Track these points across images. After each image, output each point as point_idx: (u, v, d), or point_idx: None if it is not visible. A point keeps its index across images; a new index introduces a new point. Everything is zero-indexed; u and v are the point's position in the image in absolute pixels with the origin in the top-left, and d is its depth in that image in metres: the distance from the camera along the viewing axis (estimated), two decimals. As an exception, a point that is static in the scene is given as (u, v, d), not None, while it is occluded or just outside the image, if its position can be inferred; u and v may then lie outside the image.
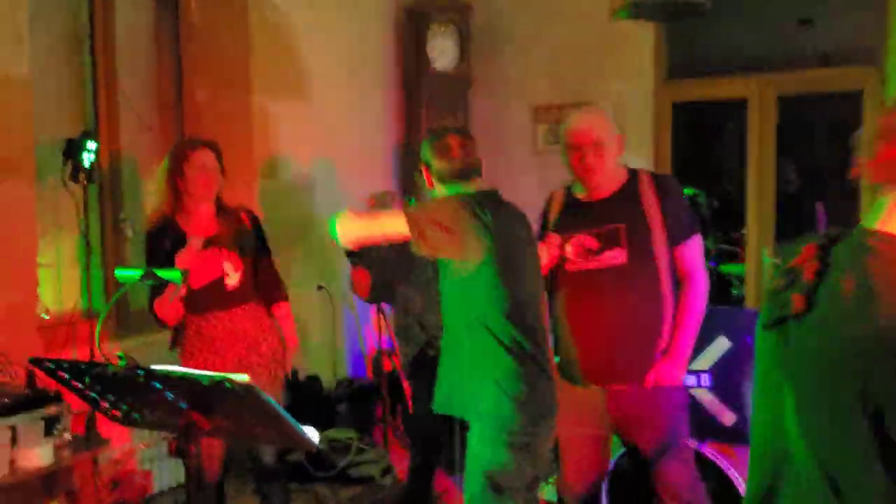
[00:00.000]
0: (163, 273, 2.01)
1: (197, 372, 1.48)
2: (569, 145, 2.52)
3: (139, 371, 1.45)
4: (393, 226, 2.24)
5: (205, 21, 4.00)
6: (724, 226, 5.17)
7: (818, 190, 5.34)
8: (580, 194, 2.58)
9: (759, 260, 4.49)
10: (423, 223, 2.18)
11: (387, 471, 3.83)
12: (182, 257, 2.66)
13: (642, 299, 2.49)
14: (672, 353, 2.51)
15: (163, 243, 2.73)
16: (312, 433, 1.63)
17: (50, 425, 2.26)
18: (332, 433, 3.89)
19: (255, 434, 1.59)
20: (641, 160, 4.45)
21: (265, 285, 2.90)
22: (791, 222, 4.87)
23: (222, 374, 1.43)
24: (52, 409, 2.28)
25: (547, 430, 2.29)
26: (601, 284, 2.47)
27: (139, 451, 3.30)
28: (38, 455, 2.17)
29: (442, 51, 4.82)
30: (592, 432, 2.59)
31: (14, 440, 2.16)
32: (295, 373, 3.26)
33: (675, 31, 4.63)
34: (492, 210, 2.22)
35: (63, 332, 3.06)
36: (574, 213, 2.56)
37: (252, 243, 2.86)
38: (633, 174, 2.58)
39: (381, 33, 4.82)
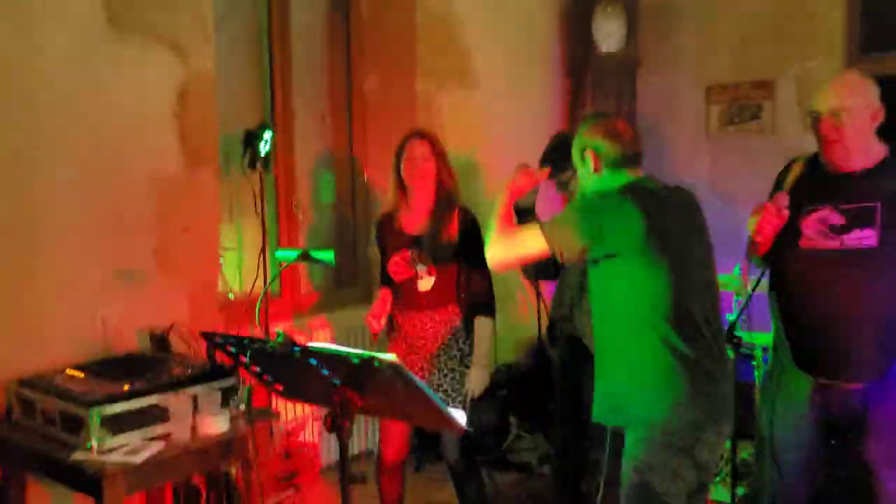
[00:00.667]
0: (317, 254, 2.11)
1: (348, 350, 1.54)
2: (809, 111, 2.32)
3: (295, 348, 1.53)
4: (532, 244, 2.14)
5: (373, 14, 4.13)
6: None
7: None
8: (828, 167, 2.33)
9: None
10: (557, 236, 2.11)
11: (544, 459, 3.82)
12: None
13: (891, 290, 2.23)
14: None
15: (381, 236, 2.92)
16: (460, 416, 1.65)
17: (227, 396, 2.45)
18: (491, 419, 3.93)
19: (404, 413, 1.63)
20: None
21: (469, 295, 2.85)
22: None
23: (371, 352, 1.48)
24: (228, 382, 2.46)
25: (714, 434, 2.11)
26: (842, 268, 2.23)
27: (310, 424, 3.50)
28: (216, 423, 2.34)
29: (608, 33, 4.68)
30: (811, 435, 2.37)
31: (195, 408, 2.35)
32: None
33: (869, 1, 4.22)
34: (650, 201, 2.11)
35: (242, 310, 3.30)
36: (818, 185, 2.31)
37: (454, 248, 2.80)
38: (892, 150, 2.31)
39: (546, 18, 4.76)
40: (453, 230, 2.82)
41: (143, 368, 2.48)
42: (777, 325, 2.41)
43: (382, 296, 2.85)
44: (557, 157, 2.96)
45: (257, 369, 1.69)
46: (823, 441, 2.37)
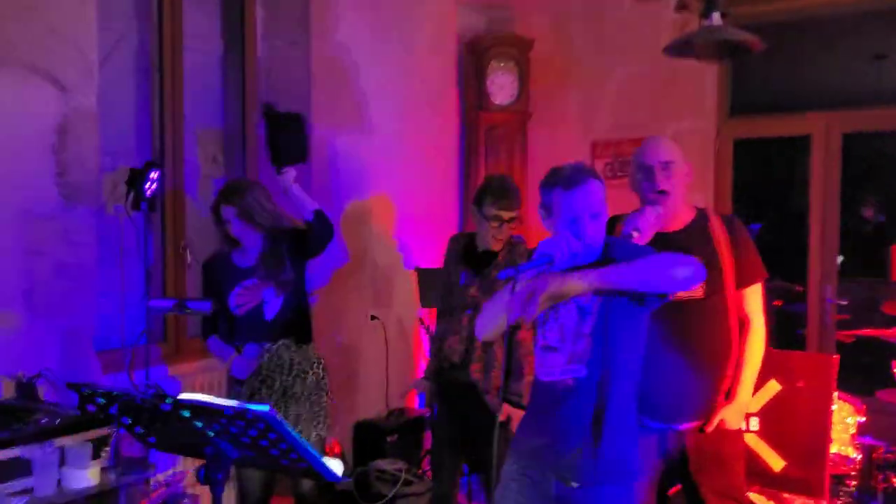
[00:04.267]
0: (193, 304, 2.07)
1: (221, 401, 1.51)
2: (640, 166, 2.49)
3: (166, 400, 1.49)
4: None
5: (269, 56, 4.13)
6: (789, 264, 5.01)
7: (889, 230, 5.13)
8: None
9: (821, 300, 4.33)
10: None
11: (433, 503, 3.81)
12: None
13: (714, 336, 2.44)
14: (737, 397, 2.45)
15: (212, 277, 2.94)
16: (336, 465, 1.63)
17: (98, 448, 2.34)
18: (381, 464, 3.90)
19: (278, 464, 1.61)
20: (702, 198, 4.37)
21: (298, 321, 2.94)
22: (858, 263, 4.69)
23: (244, 404, 1.45)
24: (101, 432, 2.36)
25: None
26: (676, 320, 2.37)
27: (188, 475, 3.37)
28: (84, 476, 2.23)
29: (501, 85, 4.85)
30: (650, 468, 2.50)
31: (62, 461, 2.23)
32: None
33: (740, 68, 4.55)
34: None
35: (120, 358, 3.16)
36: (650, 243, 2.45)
37: (288, 273, 2.88)
38: (702, 212, 2.54)
39: (441, 68, 4.88)
40: (284, 255, 2.88)
41: (7, 418, 2.35)
42: None
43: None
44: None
45: (128, 422, 1.63)
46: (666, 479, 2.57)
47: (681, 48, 2.92)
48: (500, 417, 2.78)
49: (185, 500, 3.22)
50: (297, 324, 2.91)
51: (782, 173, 5.88)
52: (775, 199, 6.14)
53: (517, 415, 2.62)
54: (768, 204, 6.08)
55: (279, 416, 1.49)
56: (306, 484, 2.86)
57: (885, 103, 4.57)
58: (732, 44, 2.79)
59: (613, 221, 2.51)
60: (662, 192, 2.43)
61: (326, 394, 2.96)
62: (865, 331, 4.31)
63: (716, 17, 2.75)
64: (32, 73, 2.82)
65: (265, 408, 1.45)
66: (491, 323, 2.13)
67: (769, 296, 4.44)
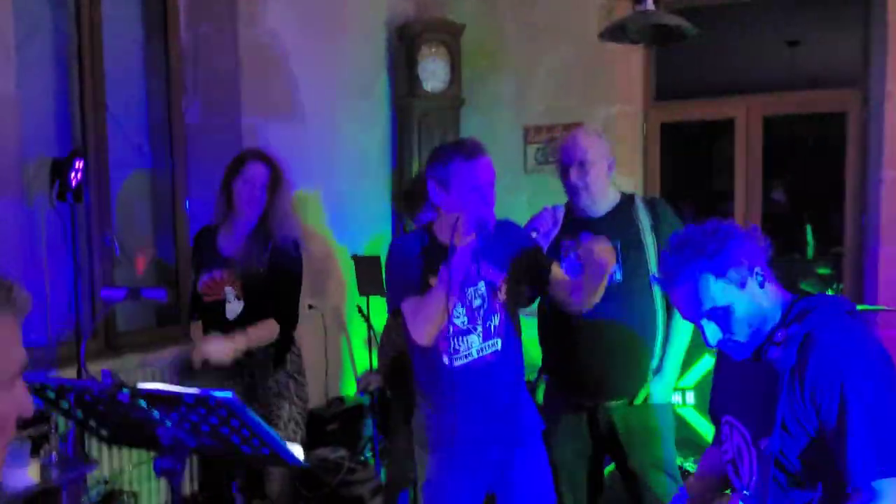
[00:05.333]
0: (148, 292, 2.01)
1: (181, 389, 1.47)
2: (558, 163, 2.60)
3: (123, 389, 1.45)
4: None
5: (194, 42, 4.02)
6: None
7: (806, 210, 5.39)
8: (576, 212, 2.61)
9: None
10: None
11: (377, 491, 3.81)
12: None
13: (636, 316, 2.53)
14: (664, 373, 2.54)
15: (197, 250, 2.80)
16: (297, 450, 1.62)
17: (38, 445, 2.25)
18: (323, 452, 3.87)
19: (239, 452, 1.58)
20: (631, 182, 4.49)
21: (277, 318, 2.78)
22: (778, 243, 4.89)
23: (207, 390, 1.43)
24: (39, 429, 2.26)
25: None
26: (602, 299, 2.45)
27: (128, 471, 3.27)
28: (23, 475, 2.15)
29: (433, 72, 4.85)
30: (585, 451, 2.61)
31: None
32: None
33: (664, 54, 4.68)
34: None
35: (51, 353, 3.04)
36: (569, 231, 2.57)
37: (265, 277, 2.72)
38: (628, 197, 2.64)
39: (372, 54, 4.85)
40: (267, 257, 2.74)
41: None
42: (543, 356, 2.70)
43: (196, 334, 2.79)
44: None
45: (79, 415, 1.58)
46: (597, 455, 2.70)
47: (614, 33, 2.98)
48: None
49: (125, 497, 3.13)
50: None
51: (708, 156, 6.09)
52: (702, 181, 6.36)
53: None
54: (696, 186, 6.29)
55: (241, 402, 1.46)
56: (275, 486, 2.77)
57: (799, 87, 4.79)
58: (665, 29, 2.88)
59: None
60: (578, 190, 2.55)
61: (290, 402, 2.81)
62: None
63: (649, 2, 2.83)
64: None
65: (228, 394, 1.43)
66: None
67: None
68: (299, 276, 2.83)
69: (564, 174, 2.57)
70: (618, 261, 2.47)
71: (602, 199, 2.57)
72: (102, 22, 3.57)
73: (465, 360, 2.17)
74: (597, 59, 4.57)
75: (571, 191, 2.56)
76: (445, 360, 2.16)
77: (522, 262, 2.26)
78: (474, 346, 2.18)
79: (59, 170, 3.06)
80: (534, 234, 2.44)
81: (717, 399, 1.89)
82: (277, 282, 2.74)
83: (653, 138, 4.75)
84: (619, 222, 2.55)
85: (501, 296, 2.21)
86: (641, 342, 2.54)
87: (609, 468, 2.89)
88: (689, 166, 6.33)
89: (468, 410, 2.16)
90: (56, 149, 3.38)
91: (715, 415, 1.90)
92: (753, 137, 4.52)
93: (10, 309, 1.00)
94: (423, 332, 2.13)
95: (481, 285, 2.20)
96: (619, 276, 2.49)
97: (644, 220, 2.56)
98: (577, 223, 2.54)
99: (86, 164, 3.22)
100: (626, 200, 2.62)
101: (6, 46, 2.88)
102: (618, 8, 4.34)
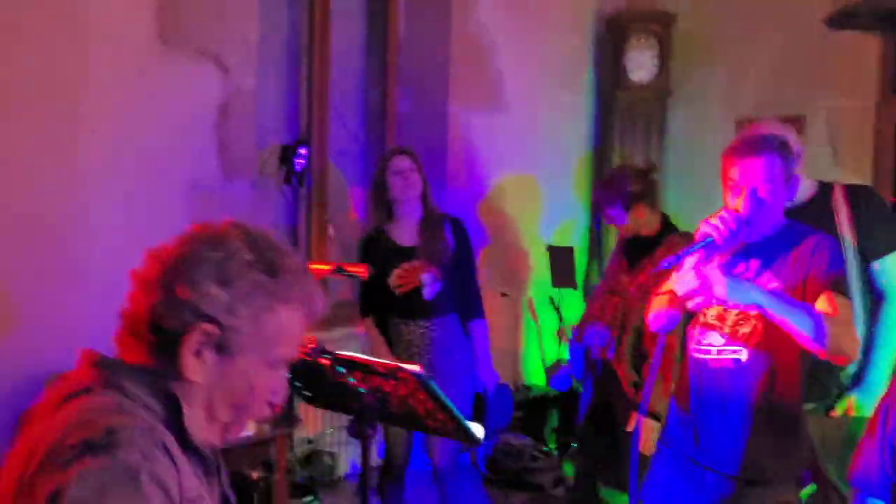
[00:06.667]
0: (350, 267, 2.20)
1: (375, 359, 1.61)
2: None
3: (325, 355, 1.61)
4: None
5: (411, 34, 4.24)
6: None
7: None
8: None
9: None
10: None
11: (558, 481, 3.85)
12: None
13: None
14: (869, 382, 2.35)
15: (371, 254, 2.90)
16: (478, 429, 1.71)
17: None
18: (508, 439, 3.97)
19: (423, 424, 1.70)
20: (858, 181, 4.13)
21: (462, 299, 2.94)
22: None
23: (397, 363, 1.55)
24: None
25: None
26: None
27: (329, 433, 3.57)
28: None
29: (639, 62, 4.75)
30: None
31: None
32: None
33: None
34: None
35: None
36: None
37: (449, 254, 2.89)
38: (826, 187, 2.43)
39: (579, 45, 4.85)
40: (447, 238, 2.90)
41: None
42: None
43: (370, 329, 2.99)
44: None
45: (288, 375, 1.77)
46: None
47: (844, 19, 2.75)
48: (628, 427, 2.75)
49: (326, 457, 3.42)
50: (459, 302, 2.93)
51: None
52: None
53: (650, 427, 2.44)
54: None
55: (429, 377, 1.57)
56: (440, 455, 2.90)
57: None
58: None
59: None
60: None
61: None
62: None
63: (881, -14, 2.58)
64: (200, 56, 3.04)
65: (416, 367, 1.54)
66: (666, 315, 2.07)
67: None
68: (472, 250, 3.01)
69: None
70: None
71: (799, 189, 2.36)
72: (331, 17, 3.88)
73: (704, 357, 2.06)
74: (820, 48, 4.23)
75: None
76: (693, 349, 2.08)
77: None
78: (716, 346, 2.05)
79: (287, 156, 3.40)
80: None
81: None
82: (464, 258, 2.93)
83: (887, 136, 4.32)
84: (813, 215, 2.31)
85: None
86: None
87: (808, 490, 2.71)
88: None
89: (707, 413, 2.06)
90: (284, 137, 3.75)
91: None
92: None
93: (305, 309, 1.07)
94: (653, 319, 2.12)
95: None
96: None
97: (843, 210, 2.37)
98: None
99: (309, 151, 3.55)
100: (825, 190, 2.42)
101: (248, 43, 3.23)
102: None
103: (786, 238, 2.02)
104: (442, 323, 2.90)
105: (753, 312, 1.97)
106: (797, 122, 4.45)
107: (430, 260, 2.85)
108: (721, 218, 1.95)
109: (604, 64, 4.88)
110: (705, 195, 4.62)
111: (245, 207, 3.28)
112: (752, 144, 1.98)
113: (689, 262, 1.92)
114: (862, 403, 2.35)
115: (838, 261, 2.01)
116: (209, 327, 0.99)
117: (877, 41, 4.22)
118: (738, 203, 1.96)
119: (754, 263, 2.02)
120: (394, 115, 4.27)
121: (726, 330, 2.03)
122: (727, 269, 1.97)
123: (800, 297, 1.94)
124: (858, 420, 2.35)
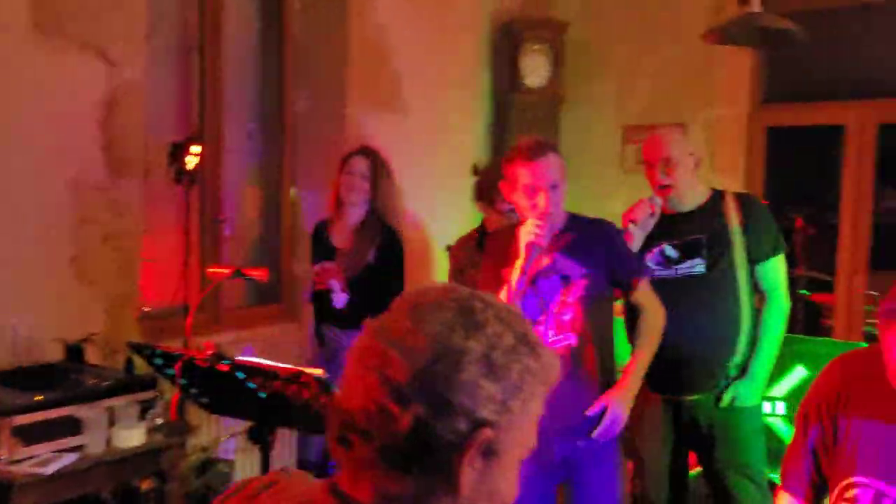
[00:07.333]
0: (250, 272, 2.15)
1: (275, 364, 1.58)
2: (644, 161, 2.63)
3: (224, 361, 1.57)
4: None
5: (306, 35, 4.18)
6: (820, 254, 5.00)
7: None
8: (664, 207, 2.62)
9: (851, 291, 4.33)
10: None
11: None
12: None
13: (718, 311, 2.51)
14: (752, 375, 2.50)
15: (313, 243, 2.96)
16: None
17: (144, 409, 2.43)
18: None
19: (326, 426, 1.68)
20: (734, 185, 4.38)
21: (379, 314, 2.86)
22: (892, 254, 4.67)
23: (298, 367, 1.53)
24: (146, 395, 2.45)
25: None
26: (679, 294, 2.48)
27: (224, 439, 3.47)
28: (131, 436, 2.33)
29: (533, 68, 4.87)
30: (667, 443, 2.62)
31: (111, 420, 2.33)
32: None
33: (774, 55, 4.53)
34: None
35: (160, 324, 3.26)
36: (658, 227, 2.59)
37: (366, 266, 2.84)
38: (718, 193, 2.63)
39: (476, 49, 4.91)
40: (371, 250, 2.87)
41: (57, 379, 2.45)
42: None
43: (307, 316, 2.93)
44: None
45: (184, 382, 1.71)
46: (679, 449, 2.65)
47: (719, 35, 2.93)
48: None
49: (222, 465, 3.33)
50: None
51: (817, 162, 5.84)
52: (809, 187, 6.10)
53: None
54: (802, 193, 6.05)
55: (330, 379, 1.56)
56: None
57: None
58: (772, 32, 2.81)
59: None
60: (664, 188, 2.56)
61: None
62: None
63: (755, 3, 2.77)
64: (84, 48, 2.89)
65: (319, 371, 1.53)
66: None
67: (796, 283, 4.46)
68: (401, 267, 2.94)
69: (650, 172, 2.59)
70: (702, 254, 2.48)
71: (689, 195, 2.59)
72: (223, 11, 3.77)
73: None
74: (702, 60, 4.48)
75: (654, 187, 2.60)
76: None
77: (606, 262, 2.29)
78: (543, 339, 2.22)
79: (178, 153, 3.27)
80: (631, 226, 2.48)
81: (867, 460, 1.55)
82: (385, 272, 2.86)
83: (757, 142, 4.61)
84: (707, 217, 2.56)
85: (578, 291, 2.24)
86: (723, 337, 2.52)
87: (696, 472, 2.86)
88: (797, 172, 6.09)
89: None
90: (175, 134, 3.61)
91: (845, 471, 1.60)
92: (865, 144, 4.32)
93: (543, 386, 0.89)
94: None
95: (556, 277, 2.25)
96: (702, 269, 2.49)
97: (733, 215, 2.53)
98: (665, 219, 2.58)
99: (202, 149, 3.43)
100: (717, 196, 2.61)
101: (136, 36, 3.10)
102: (727, 8, 4.24)
103: (577, 227, 2.32)
104: (354, 335, 2.82)
105: (571, 299, 2.23)
106: (678, 129, 4.69)
107: (345, 267, 2.82)
108: (536, 226, 2.19)
109: (500, 68, 4.97)
110: (595, 198, 4.80)
111: (132, 206, 3.14)
112: (536, 149, 2.23)
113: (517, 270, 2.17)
114: (746, 393, 2.50)
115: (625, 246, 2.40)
116: (489, 433, 0.82)
117: (749, 55, 4.50)
118: (540, 201, 2.20)
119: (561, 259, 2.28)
120: (290, 115, 4.20)
121: (552, 323, 2.25)
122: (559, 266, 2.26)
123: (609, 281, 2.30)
124: (742, 409, 2.50)
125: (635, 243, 2.54)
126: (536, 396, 0.87)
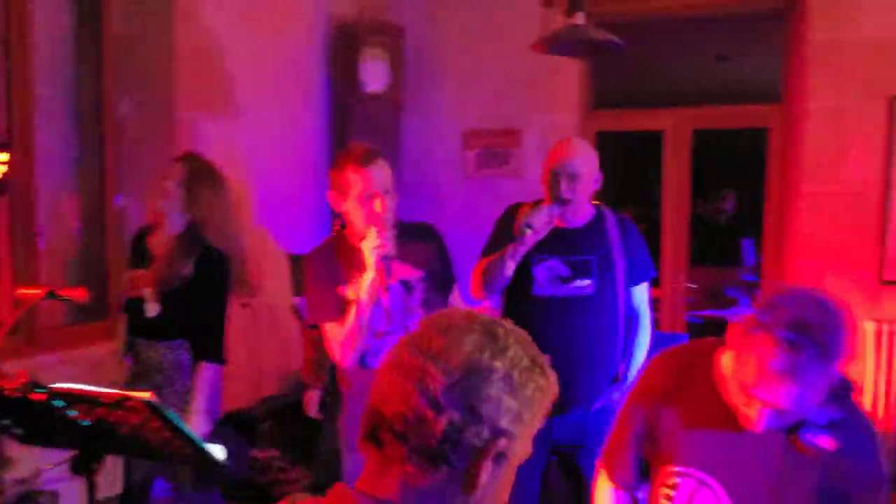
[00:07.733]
0: (65, 292, 1.98)
1: (98, 389, 1.46)
2: (550, 170, 2.55)
3: (39, 389, 1.42)
4: None
5: (128, 32, 3.93)
6: (652, 252, 5.33)
7: (739, 222, 5.56)
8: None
9: (674, 285, 4.65)
10: None
11: (308, 490, 3.80)
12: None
13: (603, 330, 2.58)
14: (621, 384, 2.60)
15: (135, 249, 2.80)
16: (218, 451, 1.62)
17: (-53, 445, 2.17)
18: (254, 452, 3.84)
19: (159, 451, 1.57)
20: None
21: (195, 328, 2.66)
22: (716, 251, 5.06)
23: (123, 392, 1.41)
24: (-50, 429, 2.19)
25: None
26: (568, 312, 2.52)
27: (45, 470, 3.18)
28: (-68, 477, 2.08)
29: (373, 74, 4.85)
30: (540, 463, 2.62)
31: None
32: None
33: (601, 64, 4.78)
34: None
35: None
36: (548, 238, 2.55)
37: (187, 280, 2.63)
38: (599, 211, 2.66)
39: (312, 52, 4.83)
40: (191, 263, 2.66)
41: None
42: None
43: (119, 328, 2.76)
44: None
45: (-9, 414, 1.54)
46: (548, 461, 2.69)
47: (547, 44, 3.04)
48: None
49: (43, 498, 3.05)
50: (189, 330, 2.65)
51: (644, 165, 6.25)
52: (638, 189, 6.50)
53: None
54: (632, 195, 6.43)
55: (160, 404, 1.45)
56: (184, 479, 2.73)
57: (729, 101, 4.94)
58: (595, 42, 2.94)
59: (517, 207, 2.66)
60: (564, 202, 2.51)
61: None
62: (710, 312, 4.70)
63: (579, 16, 2.88)
64: None
65: (146, 395, 1.42)
66: None
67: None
68: (222, 288, 2.70)
69: (553, 183, 2.53)
70: (592, 275, 2.53)
71: (582, 211, 2.60)
72: (31, 6, 3.47)
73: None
74: (536, 68, 4.64)
75: (556, 200, 2.53)
76: (371, 362, 2.17)
77: (441, 264, 2.33)
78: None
79: (-19, 160, 2.97)
80: (528, 231, 2.44)
81: (689, 450, 1.61)
82: (201, 289, 2.65)
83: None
84: (595, 237, 2.59)
85: (419, 295, 2.23)
86: (608, 354, 2.60)
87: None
88: (627, 175, 6.47)
89: None
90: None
91: (667, 459, 1.65)
92: (682, 148, 4.65)
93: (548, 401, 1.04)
94: (350, 356, 2.18)
95: (397, 285, 2.24)
96: (590, 290, 2.54)
97: (615, 236, 2.61)
98: (555, 232, 2.54)
99: (9, 156, 3.14)
100: (600, 215, 2.65)
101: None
102: (557, 18, 4.42)
103: (406, 233, 2.29)
104: (166, 347, 2.66)
105: (413, 304, 2.28)
106: (514, 134, 4.85)
107: (163, 278, 2.63)
108: (381, 236, 2.13)
109: (338, 73, 4.91)
110: (436, 202, 4.86)
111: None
112: (368, 155, 2.22)
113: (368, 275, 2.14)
114: (621, 401, 2.60)
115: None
116: (504, 441, 0.97)
117: (577, 64, 4.72)
118: (377, 207, 2.17)
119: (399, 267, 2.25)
120: (111, 118, 3.92)
121: (400, 332, 2.22)
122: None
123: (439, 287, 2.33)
124: (615, 412, 2.59)
125: (525, 249, 2.49)
126: (543, 410, 1.02)
